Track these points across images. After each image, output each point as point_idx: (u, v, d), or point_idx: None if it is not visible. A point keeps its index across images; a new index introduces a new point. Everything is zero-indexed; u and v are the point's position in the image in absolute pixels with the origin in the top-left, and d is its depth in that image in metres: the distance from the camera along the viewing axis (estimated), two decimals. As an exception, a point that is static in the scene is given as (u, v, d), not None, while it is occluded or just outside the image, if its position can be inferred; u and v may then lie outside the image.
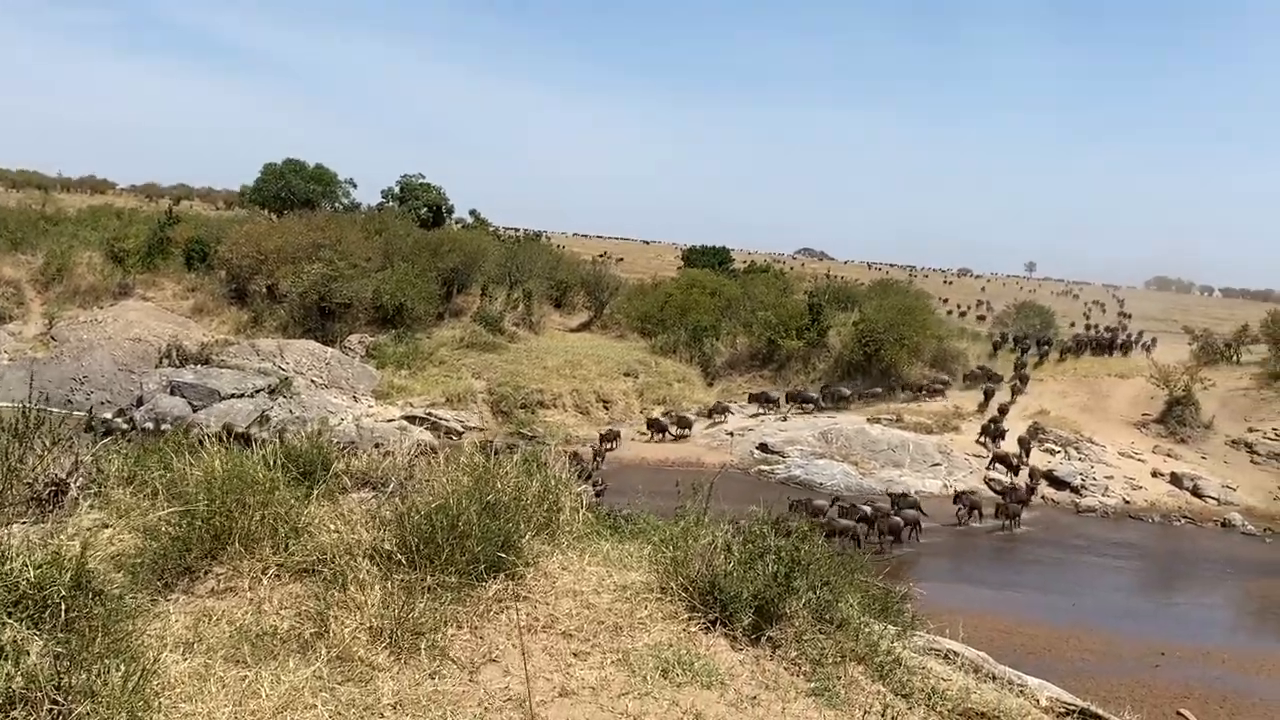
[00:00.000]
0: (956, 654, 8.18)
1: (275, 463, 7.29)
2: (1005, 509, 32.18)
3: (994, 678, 8.04)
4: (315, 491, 7.21)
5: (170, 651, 4.89)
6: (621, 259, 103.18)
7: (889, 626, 7.78)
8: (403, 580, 5.82)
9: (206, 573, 6.00)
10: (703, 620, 6.12)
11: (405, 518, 6.32)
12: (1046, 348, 54.00)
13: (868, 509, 28.65)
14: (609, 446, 37.14)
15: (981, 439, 39.90)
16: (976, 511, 32.13)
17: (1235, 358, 52.37)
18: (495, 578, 6.08)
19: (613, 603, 6.22)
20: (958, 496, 32.57)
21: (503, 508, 7.14)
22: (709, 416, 42.34)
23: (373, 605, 5.53)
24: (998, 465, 37.53)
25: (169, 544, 6.05)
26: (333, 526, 6.58)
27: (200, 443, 7.58)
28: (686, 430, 40.74)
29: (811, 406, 43.99)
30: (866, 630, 6.64)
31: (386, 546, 6.13)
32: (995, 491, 34.94)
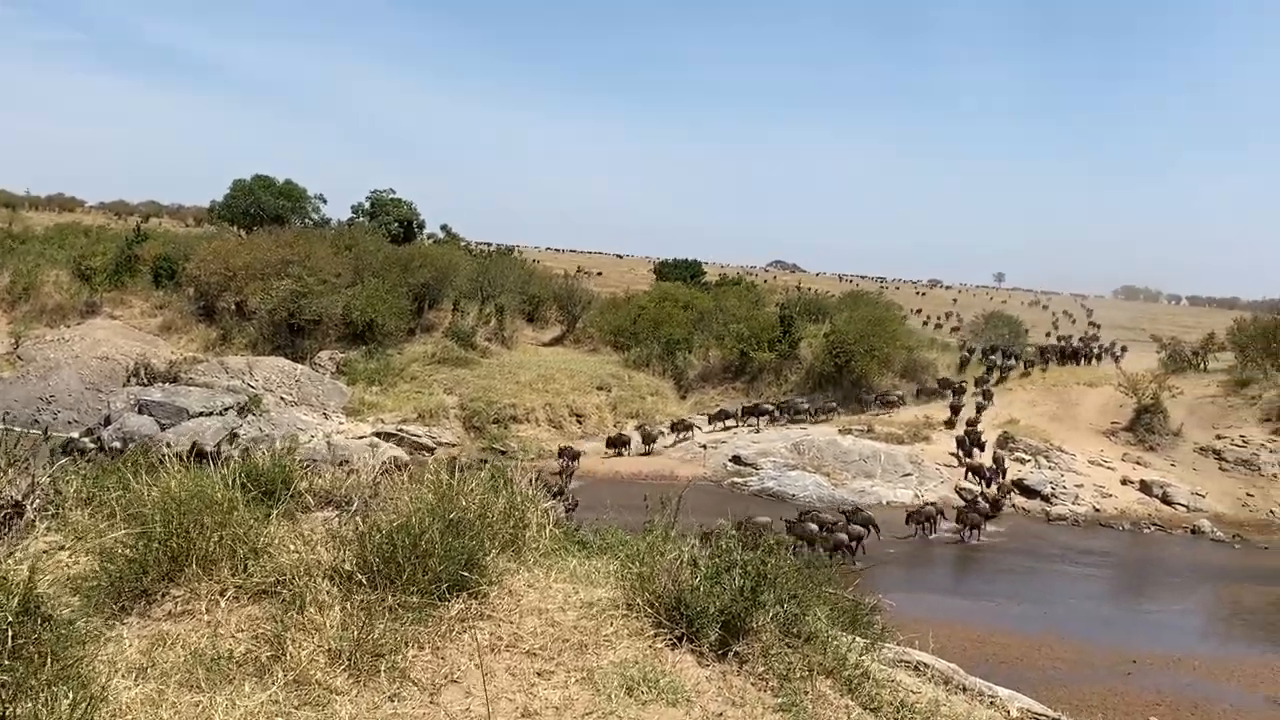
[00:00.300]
0: (927, 665, 8.13)
1: (234, 482, 7.20)
2: (966, 518, 31.99)
3: (964, 689, 8.00)
4: (275, 511, 7.10)
5: (122, 677, 4.78)
6: (599, 274, 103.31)
7: (858, 639, 7.73)
8: (363, 601, 5.72)
9: (163, 595, 5.87)
10: (669, 636, 6.04)
11: (366, 537, 6.23)
12: (1011, 362, 54.25)
13: (814, 526, 28.37)
14: (569, 464, 36.55)
15: (956, 451, 39.97)
16: (930, 524, 32.02)
17: (1203, 366, 52.91)
18: (458, 597, 6.00)
19: (578, 620, 6.15)
20: (909, 516, 32.22)
21: (468, 525, 7.07)
22: (673, 432, 42.00)
23: (332, 627, 5.44)
24: (971, 475, 37.65)
25: (124, 566, 5.93)
26: (292, 547, 6.48)
27: (160, 462, 7.47)
28: (650, 446, 40.48)
29: (766, 419, 43.98)
30: (835, 643, 6.58)
31: (347, 567, 6.04)
32: (966, 501, 35.04)
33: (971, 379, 51.03)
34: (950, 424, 43.76)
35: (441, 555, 6.05)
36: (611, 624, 6.10)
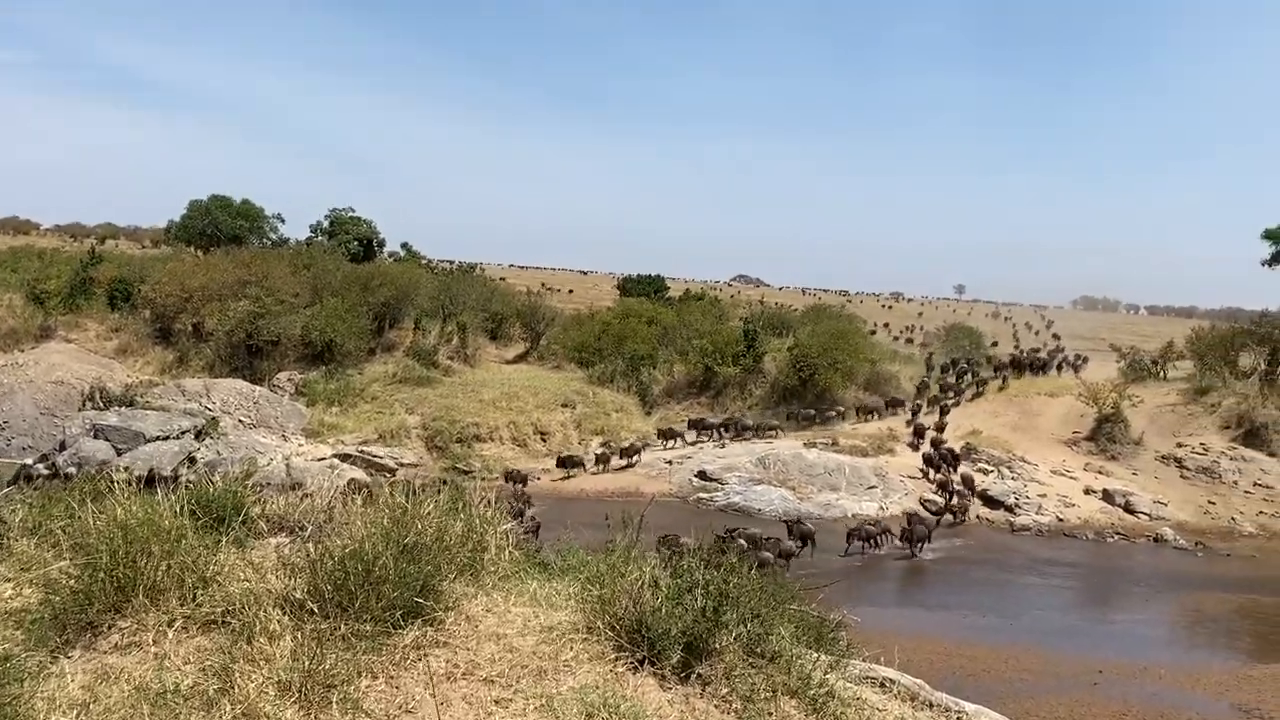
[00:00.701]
0: (893, 681, 8.03)
1: (183, 509, 7.02)
2: (910, 534, 31.65)
3: (931, 705, 7.90)
4: (225, 539, 6.92)
5: (62, 715, 4.61)
6: (570, 292, 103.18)
7: (823, 656, 7.63)
8: (315, 630, 5.56)
9: (109, 627, 5.69)
10: (630, 659, 5.91)
11: (318, 564, 6.07)
12: (968, 379, 54.55)
13: (742, 543, 28.01)
14: (517, 488, 35.50)
15: (924, 466, 39.96)
16: (873, 541, 31.51)
17: (1162, 374, 53.45)
18: (413, 624, 5.84)
19: (537, 645, 6.00)
20: (850, 534, 31.54)
21: (424, 550, 6.92)
22: (623, 456, 41.05)
23: (282, 657, 5.27)
24: (940, 490, 37.61)
25: (68, 598, 5.74)
26: (242, 575, 6.31)
27: (109, 488, 7.29)
28: (603, 466, 39.87)
29: (711, 434, 43.94)
30: (799, 662, 6.47)
31: (298, 595, 5.88)
32: (931, 513, 35.14)
33: (934, 391, 51.39)
34: (916, 445, 43.62)
35: (396, 581, 5.91)
36: (571, 648, 5.96)
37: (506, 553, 7.63)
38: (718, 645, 6.10)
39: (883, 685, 7.97)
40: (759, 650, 6.36)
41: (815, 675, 6.34)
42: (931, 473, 39.41)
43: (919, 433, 44.04)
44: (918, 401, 49.40)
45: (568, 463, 39.10)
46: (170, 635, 5.62)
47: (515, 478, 36.48)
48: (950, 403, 49.68)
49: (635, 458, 40.96)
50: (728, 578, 6.50)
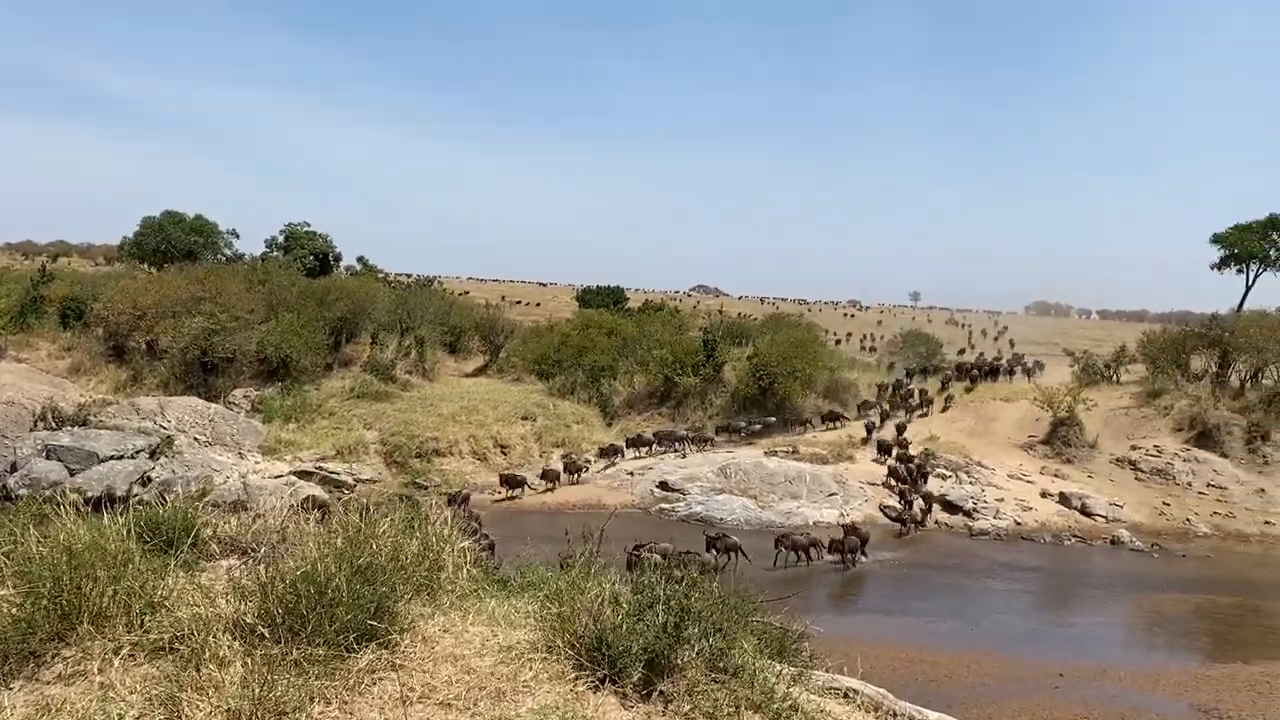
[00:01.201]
0: (856, 691, 7.99)
1: (131, 532, 6.85)
2: (842, 545, 30.92)
3: (895, 715, 7.88)
4: (173, 562, 6.76)
5: (1, 751, 4.46)
6: (536, 304, 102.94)
7: (787, 668, 7.57)
8: (266, 655, 5.42)
9: (53, 656, 5.55)
10: (591, 678, 5.82)
11: (269, 587, 5.92)
12: (925, 388, 54.96)
13: (658, 558, 27.45)
14: (460, 509, 33.39)
15: (889, 479, 39.91)
16: (805, 553, 30.75)
17: (1115, 378, 54.12)
18: (368, 647, 5.72)
19: (495, 665, 5.89)
20: (778, 541, 30.68)
21: (379, 570, 6.80)
22: (569, 472, 39.79)
23: (231, 684, 5.15)
24: (900, 500, 37.61)
25: (9, 627, 5.57)
26: (192, 599, 6.16)
27: (55, 510, 7.11)
28: (551, 484, 38.83)
29: (647, 450, 43.74)
30: (762, 676, 6.40)
31: (248, 619, 5.74)
32: (890, 519, 35.28)
33: (889, 398, 51.77)
34: (882, 453, 43.65)
35: (349, 604, 5.79)
36: (530, 668, 5.86)
37: (464, 571, 7.53)
38: (680, 661, 6.03)
39: (846, 696, 7.94)
40: (721, 665, 6.31)
41: (778, 689, 6.28)
42: (895, 481, 39.35)
43: (883, 448, 43.61)
44: (883, 408, 49.54)
45: (510, 481, 38.14)
46: (116, 664, 5.48)
47: (458, 499, 34.86)
48: (916, 410, 49.87)
49: (579, 475, 39.92)
50: (689, 592, 6.43)
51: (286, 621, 5.66)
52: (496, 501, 37.31)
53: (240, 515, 8.74)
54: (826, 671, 8.52)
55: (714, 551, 29.27)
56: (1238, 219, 68.21)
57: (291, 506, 8.91)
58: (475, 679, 5.69)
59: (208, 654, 5.39)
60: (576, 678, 5.81)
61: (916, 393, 52.60)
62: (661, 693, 5.83)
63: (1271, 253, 64.47)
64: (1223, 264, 66.71)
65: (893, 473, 39.63)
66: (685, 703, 5.81)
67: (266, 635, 5.58)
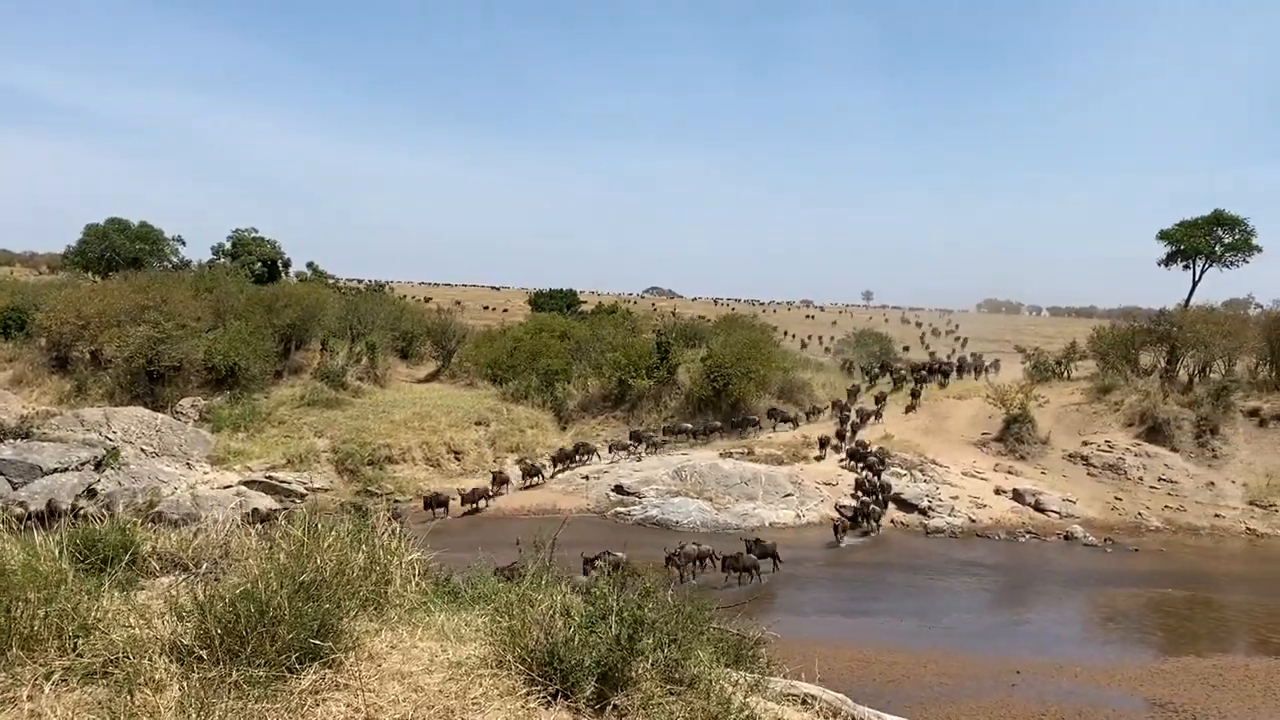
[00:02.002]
0: (815, 697, 7.88)
1: (64, 550, 6.61)
2: (736, 562, 28.91)
3: (853, 719, 7.79)
4: (108, 581, 6.52)
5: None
6: (487, 308, 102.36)
7: (744, 675, 7.46)
8: (204, 678, 5.21)
9: (-20, 683, 5.28)
10: (543, 694, 5.65)
11: (207, 606, 5.70)
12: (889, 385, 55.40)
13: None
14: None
15: (856, 492, 39.81)
16: (693, 565, 29.22)
17: (1066, 374, 54.67)
18: (311, 666, 5.51)
19: (444, 683, 5.70)
20: (669, 559, 28.52)
21: (324, 585, 6.60)
22: (495, 483, 38.50)
23: (168, 710, 4.92)
24: (860, 495, 37.53)
25: (-68, 654, 5.33)
26: (129, 620, 5.93)
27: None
28: (471, 506, 36.69)
29: (577, 462, 43.13)
30: (718, 687, 6.26)
31: (185, 641, 5.51)
32: (847, 518, 35.31)
33: (849, 397, 52.04)
34: (837, 446, 43.73)
35: (291, 622, 5.58)
36: (480, 684, 5.68)
37: (413, 583, 7.34)
38: (634, 673, 5.88)
39: (804, 702, 7.83)
40: (677, 676, 6.16)
41: (735, 699, 6.15)
42: (860, 495, 39.15)
43: (853, 455, 43.15)
44: (846, 411, 49.49)
45: (433, 502, 35.87)
46: (47, 690, 5.24)
47: (397, 515, 34.18)
48: (875, 410, 49.88)
49: (503, 487, 38.56)
50: (642, 603, 6.28)
51: (225, 642, 5.45)
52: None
53: (181, 530, 8.50)
54: (784, 677, 8.42)
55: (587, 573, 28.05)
56: (1183, 216, 69.15)
57: (234, 520, 8.67)
58: (423, 697, 5.51)
59: (143, 678, 5.17)
60: (528, 693, 5.64)
61: (873, 399, 52.75)
62: (615, 706, 5.67)
63: (1217, 248, 65.43)
64: (1169, 260, 67.61)
65: (860, 485, 38.71)
66: (640, 716, 5.66)
67: (204, 657, 5.37)
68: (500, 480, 38.68)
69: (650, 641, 6.06)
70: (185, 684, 5.14)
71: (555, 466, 41.97)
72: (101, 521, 8.26)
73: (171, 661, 5.37)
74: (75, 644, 5.58)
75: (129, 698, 5.02)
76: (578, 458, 42.62)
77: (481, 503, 36.95)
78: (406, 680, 5.69)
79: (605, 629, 5.93)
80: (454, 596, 7.89)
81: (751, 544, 29.87)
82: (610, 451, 44.03)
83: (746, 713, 6.06)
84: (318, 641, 5.57)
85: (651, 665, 5.99)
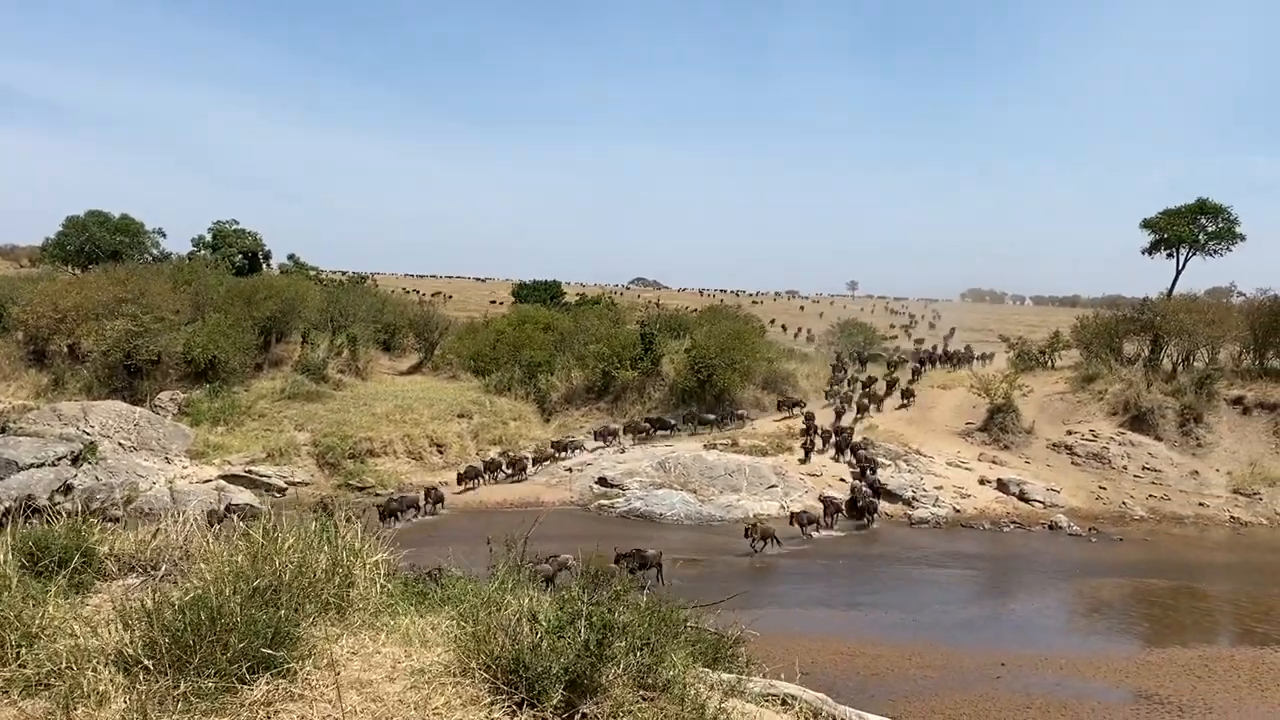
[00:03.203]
0: (795, 698, 7.68)
1: (10, 554, 6.34)
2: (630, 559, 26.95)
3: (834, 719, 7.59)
4: (54, 587, 6.25)
5: None
6: (469, 299, 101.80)
7: (723, 675, 7.24)
8: (151, 690, 4.95)
9: (-83, 696, 5.03)
10: (508, 703, 5.40)
11: (155, 614, 5.42)
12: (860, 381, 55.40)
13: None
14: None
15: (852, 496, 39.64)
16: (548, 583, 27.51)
17: (1050, 363, 54.66)
18: (263, 676, 5.24)
19: (405, 692, 5.45)
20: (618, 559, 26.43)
21: (283, 589, 6.35)
22: (461, 481, 38.35)
23: (113, 722, 4.69)
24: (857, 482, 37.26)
25: None
26: (75, 628, 5.66)
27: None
28: (418, 514, 34.68)
29: (645, 436, 43.46)
30: (693, 691, 6.02)
31: (130, 651, 5.24)
32: (832, 509, 35.07)
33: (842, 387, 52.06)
34: (832, 443, 43.32)
35: (243, 630, 5.31)
36: (442, 694, 5.43)
37: (378, 585, 7.07)
38: (604, 680, 5.63)
39: (784, 703, 7.64)
40: (650, 681, 5.92)
41: (710, 704, 5.92)
42: (862, 474, 39.00)
43: (843, 441, 42.86)
44: (841, 401, 49.26)
45: (391, 513, 32.84)
46: (-14, 702, 4.98)
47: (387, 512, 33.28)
48: (866, 402, 49.52)
49: (475, 481, 38.33)
50: (612, 606, 6.04)
51: (172, 652, 5.18)
52: (454, 494, 36.62)
53: (139, 530, 8.21)
54: (765, 676, 8.21)
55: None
56: (1167, 204, 69.19)
57: (196, 519, 8.38)
58: (382, 708, 5.26)
59: (85, 690, 4.91)
60: (492, 702, 5.40)
61: (859, 386, 52.66)
62: (584, 715, 5.43)
63: (1200, 237, 65.40)
64: (1153, 249, 67.57)
65: (855, 491, 37.19)
66: (610, 724, 5.42)
67: (150, 668, 5.10)
68: (471, 474, 38.42)
69: (623, 645, 5.82)
70: (129, 697, 4.89)
71: (539, 464, 41.48)
72: (66, 519, 8.00)
73: (117, 672, 5.12)
74: (18, 654, 5.32)
75: (71, 711, 4.77)
76: (560, 454, 42.30)
77: (435, 505, 35.62)
78: (366, 689, 5.45)
79: (574, 634, 5.69)
80: (422, 598, 7.65)
81: (636, 551, 27.42)
82: (595, 439, 43.84)
83: (722, 718, 5.84)
84: (269, 650, 5.31)
85: (623, 670, 5.75)
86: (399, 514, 33.18)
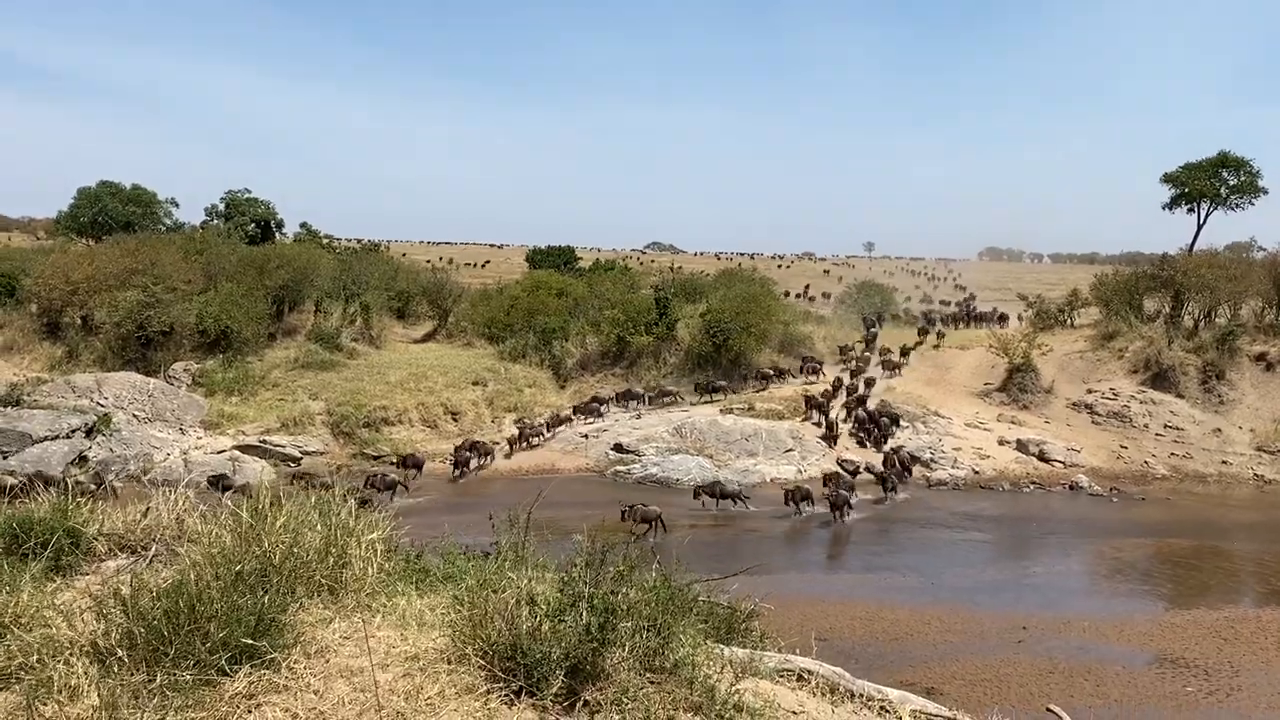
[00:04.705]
0: (811, 672, 7.38)
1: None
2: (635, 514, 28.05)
3: (853, 695, 7.30)
4: (27, 573, 5.98)
5: None
6: (483, 265, 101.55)
7: (736, 651, 6.95)
8: (127, 683, 4.67)
9: (-116, 690, 4.78)
10: (505, 691, 5.10)
11: (131, 602, 5.13)
12: (876, 330, 54.95)
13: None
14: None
15: (855, 431, 39.35)
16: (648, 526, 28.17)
17: (1069, 322, 54.04)
18: (245, 667, 4.95)
19: (397, 680, 5.16)
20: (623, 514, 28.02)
21: (273, 570, 6.06)
22: (523, 438, 38.72)
23: (83, 719, 4.39)
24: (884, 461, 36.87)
25: None
26: (50, 618, 5.39)
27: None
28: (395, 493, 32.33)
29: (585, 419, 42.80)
30: (702, 674, 5.71)
31: (102, 642, 4.96)
32: (848, 473, 34.70)
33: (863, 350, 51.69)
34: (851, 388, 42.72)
35: (225, 617, 5.02)
36: (437, 682, 5.13)
37: (374, 564, 6.77)
38: (607, 665, 5.32)
39: (800, 677, 7.35)
40: (657, 664, 5.61)
41: (720, 687, 5.61)
42: (868, 445, 38.72)
43: (861, 419, 41.64)
44: (860, 362, 48.84)
45: (372, 482, 31.85)
46: (-47, 695, 4.73)
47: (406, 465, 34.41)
48: (898, 361, 49.03)
49: (488, 458, 37.31)
50: (616, 587, 5.71)
51: (149, 642, 4.89)
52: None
53: (129, 509, 7.93)
54: (780, 650, 7.92)
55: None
56: (1187, 158, 68.12)
57: (187, 496, 8.08)
58: (372, 698, 4.96)
59: (56, 684, 4.63)
60: (489, 690, 5.11)
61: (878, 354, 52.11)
62: (586, 702, 5.14)
63: (1222, 190, 64.44)
64: (1173, 203, 66.67)
65: (859, 421, 37.94)
66: (614, 712, 5.12)
67: (126, 659, 4.82)
68: (484, 450, 37.34)
69: (628, 626, 5.51)
70: (102, 690, 4.62)
71: (562, 426, 41.35)
72: (53, 498, 7.73)
73: (92, 664, 4.84)
74: (-8, 644, 5.05)
75: (35, 709, 4.50)
76: (582, 416, 42.11)
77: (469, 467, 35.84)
78: (356, 678, 5.16)
79: (574, 617, 5.37)
80: (424, 575, 7.36)
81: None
82: (618, 402, 43.68)
83: (734, 700, 5.53)
84: (250, 641, 5.01)
85: (628, 653, 5.45)
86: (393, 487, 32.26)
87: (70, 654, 4.93)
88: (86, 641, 5.06)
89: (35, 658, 4.91)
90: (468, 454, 36.14)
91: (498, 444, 38.84)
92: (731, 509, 31.09)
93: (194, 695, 4.70)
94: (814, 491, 31.28)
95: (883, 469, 35.34)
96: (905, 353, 50.31)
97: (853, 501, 31.42)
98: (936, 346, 52.33)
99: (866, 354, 51.59)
